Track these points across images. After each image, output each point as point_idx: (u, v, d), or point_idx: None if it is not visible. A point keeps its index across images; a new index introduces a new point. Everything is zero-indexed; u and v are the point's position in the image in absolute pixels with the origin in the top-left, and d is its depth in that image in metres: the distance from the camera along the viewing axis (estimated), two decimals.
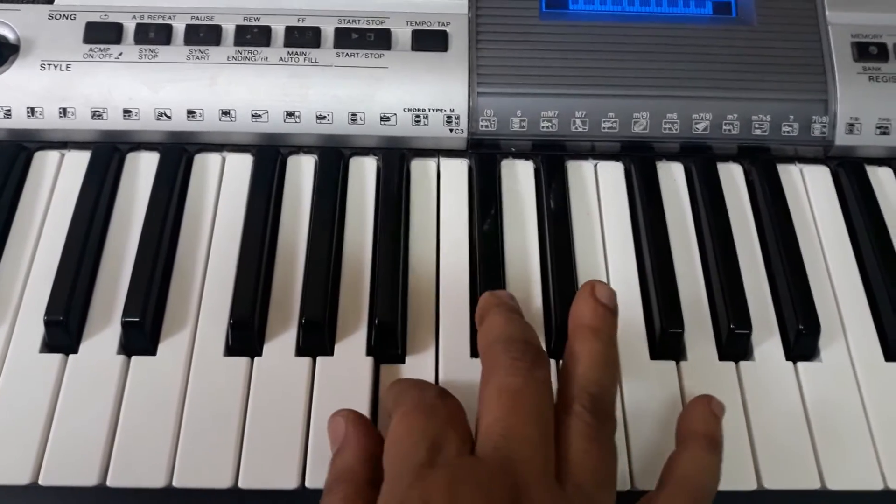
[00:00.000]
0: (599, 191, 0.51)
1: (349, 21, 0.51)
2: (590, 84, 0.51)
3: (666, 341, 0.44)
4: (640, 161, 0.51)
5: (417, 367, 0.44)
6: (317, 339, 0.44)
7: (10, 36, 0.51)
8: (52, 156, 0.51)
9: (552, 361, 0.44)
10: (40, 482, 0.40)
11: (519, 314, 0.40)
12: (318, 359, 0.43)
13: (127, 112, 0.50)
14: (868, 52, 0.52)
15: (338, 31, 0.51)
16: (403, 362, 0.44)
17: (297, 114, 0.50)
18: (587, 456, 0.34)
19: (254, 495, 0.40)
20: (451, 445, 0.34)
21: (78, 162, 0.50)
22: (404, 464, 0.33)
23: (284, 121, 0.50)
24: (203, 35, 0.51)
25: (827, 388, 0.44)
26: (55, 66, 0.50)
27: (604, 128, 0.51)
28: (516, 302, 0.42)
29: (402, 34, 0.51)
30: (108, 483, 0.40)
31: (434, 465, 0.33)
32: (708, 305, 0.46)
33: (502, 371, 0.35)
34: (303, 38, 0.51)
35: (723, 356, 0.45)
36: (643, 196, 0.50)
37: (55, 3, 0.52)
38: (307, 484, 0.40)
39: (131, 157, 0.51)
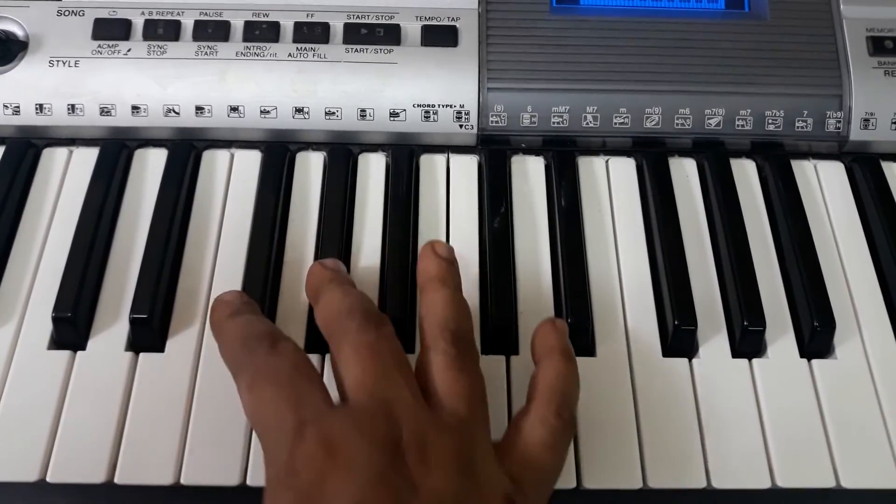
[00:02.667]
0: (611, 187, 0.50)
1: (358, 16, 0.51)
2: (601, 79, 0.50)
3: (678, 338, 0.44)
4: (652, 157, 0.51)
5: None
6: None
7: (18, 32, 0.51)
8: (60, 153, 0.51)
9: None
10: (48, 479, 0.40)
11: (352, 284, 0.42)
12: (328, 355, 0.43)
13: (135, 108, 0.50)
14: (883, 46, 0.51)
15: (347, 26, 0.51)
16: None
17: (305, 110, 0.50)
18: (457, 384, 0.36)
19: (262, 493, 0.40)
20: (312, 401, 0.34)
21: (86, 159, 0.50)
22: (276, 435, 0.34)
23: (293, 117, 0.50)
24: (212, 31, 0.51)
25: (842, 386, 0.43)
26: (63, 63, 0.50)
27: (615, 123, 0.50)
28: (345, 270, 0.44)
29: (411, 29, 0.51)
30: (116, 480, 0.40)
31: (306, 423, 0.33)
32: (721, 302, 0.46)
33: (352, 334, 0.37)
34: (312, 33, 0.51)
35: (736, 353, 0.44)
36: (655, 192, 0.49)
37: None
38: None
39: (139, 154, 0.51)
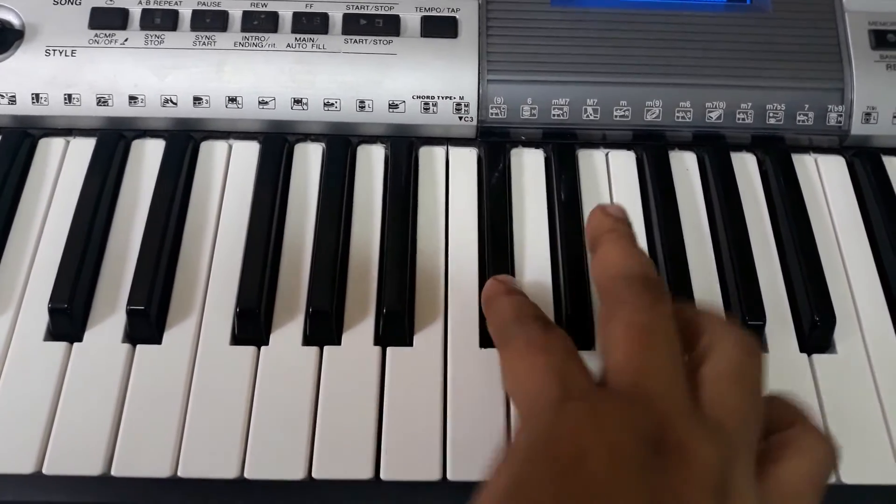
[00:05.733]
0: (611, 180, 0.50)
1: (357, 7, 0.51)
2: (602, 72, 0.50)
3: None
4: (652, 150, 0.51)
5: (425, 356, 0.43)
6: (324, 328, 0.43)
7: (14, 21, 0.50)
8: (56, 143, 0.50)
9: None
10: (44, 471, 0.39)
11: (631, 239, 0.39)
12: (326, 348, 0.43)
13: (132, 98, 0.50)
14: (886, 39, 0.51)
15: (346, 16, 0.51)
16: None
17: (304, 101, 0.50)
18: (735, 398, 0.33)
19: (260, 486, 0.40)
20: (580, 378, 0.33)
21: (83, 149, 0.50)
22: (539, 401, 0.33)
23: (292, 108, 0.50)
24: (210, 21, 0.50)
25: (842, 381, 0.43)
26: (60, 52, 0.50)
27: (616, 116, 0.50)
28: (627, 216, 0.40)
29: (411, 20, 0.51)
30: (113, 473, 0.39)
31: (571, 399, 0.32)
32: (721, 297, 0.46)
33: (627, 307, 0.35)
34: (310, 23, 0.50)
35: None
36: (655, 186, 0.49)
37: None
38: (314, 475, 0.39)
39: (137, 145, 0.50)
